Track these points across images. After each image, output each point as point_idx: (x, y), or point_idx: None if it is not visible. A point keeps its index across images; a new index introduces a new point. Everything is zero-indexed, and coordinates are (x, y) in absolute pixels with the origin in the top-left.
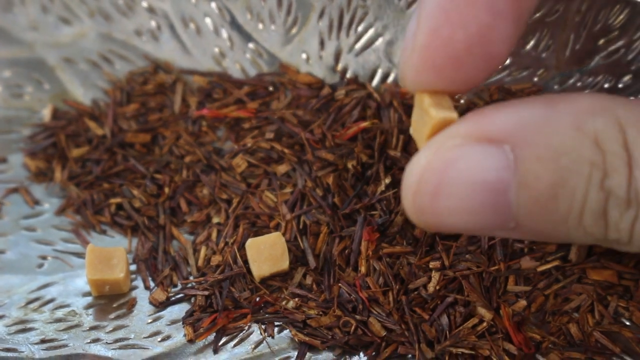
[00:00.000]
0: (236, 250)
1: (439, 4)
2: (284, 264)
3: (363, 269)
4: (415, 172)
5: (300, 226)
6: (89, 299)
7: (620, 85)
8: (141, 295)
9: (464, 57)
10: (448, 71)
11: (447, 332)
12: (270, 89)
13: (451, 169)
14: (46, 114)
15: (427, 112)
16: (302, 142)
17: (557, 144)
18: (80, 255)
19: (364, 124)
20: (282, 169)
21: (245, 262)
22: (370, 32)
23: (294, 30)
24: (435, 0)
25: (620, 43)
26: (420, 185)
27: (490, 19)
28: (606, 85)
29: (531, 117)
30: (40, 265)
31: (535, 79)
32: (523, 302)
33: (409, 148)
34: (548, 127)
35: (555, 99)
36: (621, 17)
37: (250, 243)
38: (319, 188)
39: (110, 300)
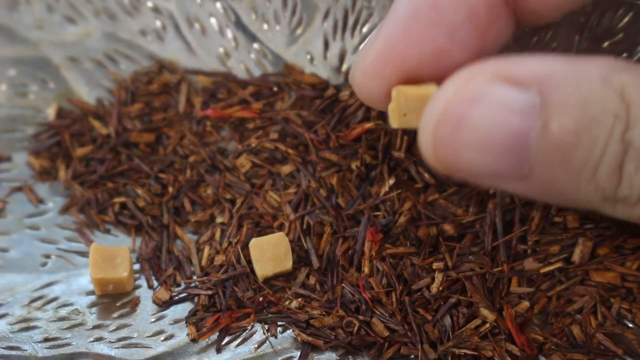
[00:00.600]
0: (239, 250)
1: (402, 18)
2: (288, 264)
3: (366, 270)
4: (440, 102)
5: (304, 226)
6: (93, 298)
7: None
8: (145, 295)
9: (412, 74)
10: (394, 83)
11: (450, 333)
12: (275, 89)
13: (477, 104)
14: (51, 113)
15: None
16: (306, 142)
17: (584, 93)
18: (84, 254)
19: (368, 125)
20: (286, 169)
21: (249, 262)
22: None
23: (298, 31)
24: (400, 13)
25: (624, 45)
26: (443, 116)
27: (448, 45)
28: None
29: (561, 67)
30: (44, 264)
31: None
32: (526, 304)
33: (413, 149)
34: (577, 76)
35: (583, 57)
36: (625, 19)
37: (254, 243)
38: (323, 188)
39: (113, 299)
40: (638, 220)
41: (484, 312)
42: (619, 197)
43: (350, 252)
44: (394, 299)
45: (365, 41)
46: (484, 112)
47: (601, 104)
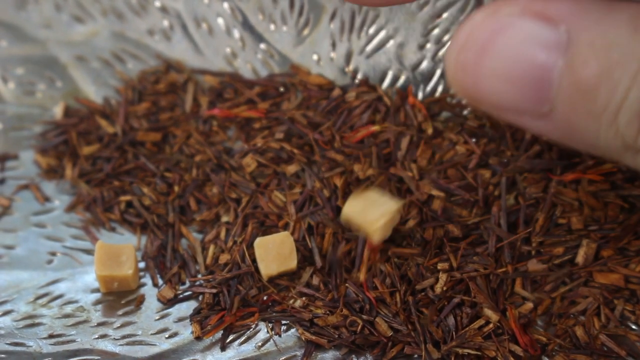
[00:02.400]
0: (244, 249)
1: None
2: (292, 263)
3: (362, 276)
4: (466, 28)
5: (308, 226)
6: (98, 295)
7: None
8: (149, 293)
9: None
10: None
11: (454, 333)
12: (281, 89)
13: (504, 33)
14: (58, 111)
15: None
16: (312, 142)
17: (612, 35)
18: (89, 252)
19: (374, 128)
20: (291, 169)
21: (254, 261)
22: (382, 34)
23: (305, 32)
24: None
25: None
26: (468, 41)
27: None
28: None
29: (591, 8)
30: (50, 262)
31: None
32: (530, 305)
33: (415, 155)
34: (606, 18)
35: (615, 2)
36: None
37: (259, 242)
38: (327, 189)
39: (118, 296)
40: None
41: (488, 312)
42: (639, 146)
43: (352, 254)
44: (397, 299)
45: None
46: (510, 42)
47: (628, 48)
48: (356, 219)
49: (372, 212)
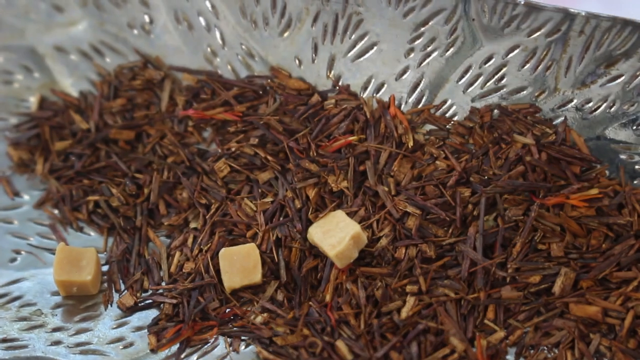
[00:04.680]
0: (209, 259)
1: None
2: (256, 276)
3: (328, 297)
4: None
5: (276, 238)
6: (58, 299)
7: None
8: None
9: None
10: None
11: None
12: (260, 92)
13: None
14: (33, 102)
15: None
16: (286, 150)
17: None
18: (54, 251)
19: (351, 138)
20: (264, 176)
21: (218, 271)
22: (365, 39)
23: (287, 33)
24: None
25: (623, 67)
26: None
27: None
28: (610, 110)
29: None
30: (13, 260)
31: (534, 100)
32: (501, 333)
33: (392, 169)
34: None
35: None
36: (625, 40)
37: (224, 253)
38: (298, 199)
39: (78, 301)
40: None
41: (454, 341)
42: None
43: (318, 274)
44: (362, 321)
45: None
46: None
47: None
48: (318, 244)
49: (331, 237)
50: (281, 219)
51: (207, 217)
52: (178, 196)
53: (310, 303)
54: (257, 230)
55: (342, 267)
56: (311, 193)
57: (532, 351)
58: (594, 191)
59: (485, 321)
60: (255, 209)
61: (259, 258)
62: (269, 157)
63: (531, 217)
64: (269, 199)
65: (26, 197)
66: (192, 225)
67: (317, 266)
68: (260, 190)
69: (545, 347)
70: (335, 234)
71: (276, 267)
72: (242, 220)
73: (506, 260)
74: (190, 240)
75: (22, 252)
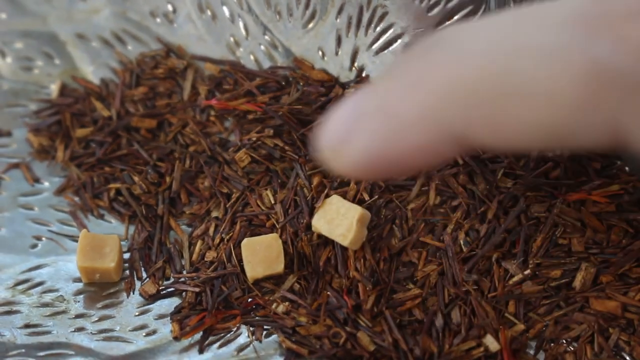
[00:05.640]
0: (232, 248)
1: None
2: (279, 266)
3: (344, 282)
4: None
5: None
6: (79, 285)
7: None
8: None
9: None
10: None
11: (439, 352)
12: (283, 83)
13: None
14: (54, 89)
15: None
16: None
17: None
18: (75, 238)
19: None
20: (283, 167)
21: (240, 261)
22: (390, 32)
23: (311, 25)
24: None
25: None
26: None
27: None
28: None
29: None
30: (34, 246)
31: None
32: (521, 326)
33: None
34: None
35: None
36: None
37: (246, 243)
38: (307, 189)
39: (100, 288)
40: None
41: (489, 339)
42: None
43: (332, 261)
44: (376, 305)
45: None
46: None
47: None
48: (328, 235)
49: (338, 226)
50: (296, 210)
51: (227, 206)
52: (200, 185)
53: (328, 293)
54: (275, 222)
55: (357, 249)
56: (315, 181)
57: (552, 344)
58: (615, 187)
59: (506, 314)
60: (273, 199)
61: (281, 248)
62: (286, 147)
63: (553, 213)
64: (286, 190)
65: (46, 184)
66: (214, 214)
67: (330, 254)
68: (279, 181)
69: (564, 341)
70: (341, 222)
71: (293, 257)
72: (262, 211)
73: (527, 256)
74: (212, 230)
75: (43, 239)
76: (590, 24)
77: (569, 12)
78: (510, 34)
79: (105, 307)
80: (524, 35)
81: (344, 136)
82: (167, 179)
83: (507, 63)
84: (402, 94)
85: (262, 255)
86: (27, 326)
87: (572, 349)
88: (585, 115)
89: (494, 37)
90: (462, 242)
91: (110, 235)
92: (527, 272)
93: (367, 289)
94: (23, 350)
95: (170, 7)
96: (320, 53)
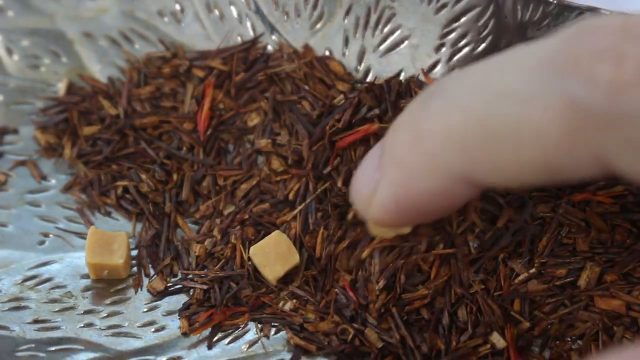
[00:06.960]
0: (242, 249)
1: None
2: (295, 258)
3: (349, 277)
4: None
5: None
6: (87, 282)
7: None
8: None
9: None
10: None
11: (446, 349)
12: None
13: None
14: (61, 87)
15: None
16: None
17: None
18: (82, 235)
19: (374, 127)
20: (291, 162)
21: (248, 259)
22: (397, 34)
23: (318, 25)
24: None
25: None
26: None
27: None
28: None
29: None
30: (42, 243)
31: None
32: (526, 324)
33: None
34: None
35: None
36: None
37: (254, 251)
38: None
39: (108, 284)
40: None
41: (495, 337)
42: None
43: (349, 252)
44: (384, 305)
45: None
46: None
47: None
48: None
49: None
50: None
51: (236, 203)
52: (206, 183)
53: (336, 290)
54: (285, 219)
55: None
56: (294, 188)
57: (557, 342)
58: (620, 188)
59: (512, 312)
60: (281, 196)
61: (289, 240)
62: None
63: (559, 213)
64: (297, 186)
65: (53, 181)
66: (221, 212)
67: (347, 248)
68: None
69: (569, 339)
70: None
71: (306, 253)
72: (272, 209)
73: (532, 255)
74: (218, 228)
75: (50, 235)
76: (562, 66)
77: (542, 54)
78: (491, 80)
79: (114, 303)
80: (502, 82)
81: (370, 188)
82: (175, 177)
83: (489, 108)
84: (409, 145)
85: (274, 254)
86: (36, 321)
87: (577, 346)
88: (572, 151)
89: (477, 84)
90: (471, 244)
91: (119, 232)
92: (533, 271)
93: (377, 289)
94: (33, 345)
95: (178, 7)
96: (327, 54)
